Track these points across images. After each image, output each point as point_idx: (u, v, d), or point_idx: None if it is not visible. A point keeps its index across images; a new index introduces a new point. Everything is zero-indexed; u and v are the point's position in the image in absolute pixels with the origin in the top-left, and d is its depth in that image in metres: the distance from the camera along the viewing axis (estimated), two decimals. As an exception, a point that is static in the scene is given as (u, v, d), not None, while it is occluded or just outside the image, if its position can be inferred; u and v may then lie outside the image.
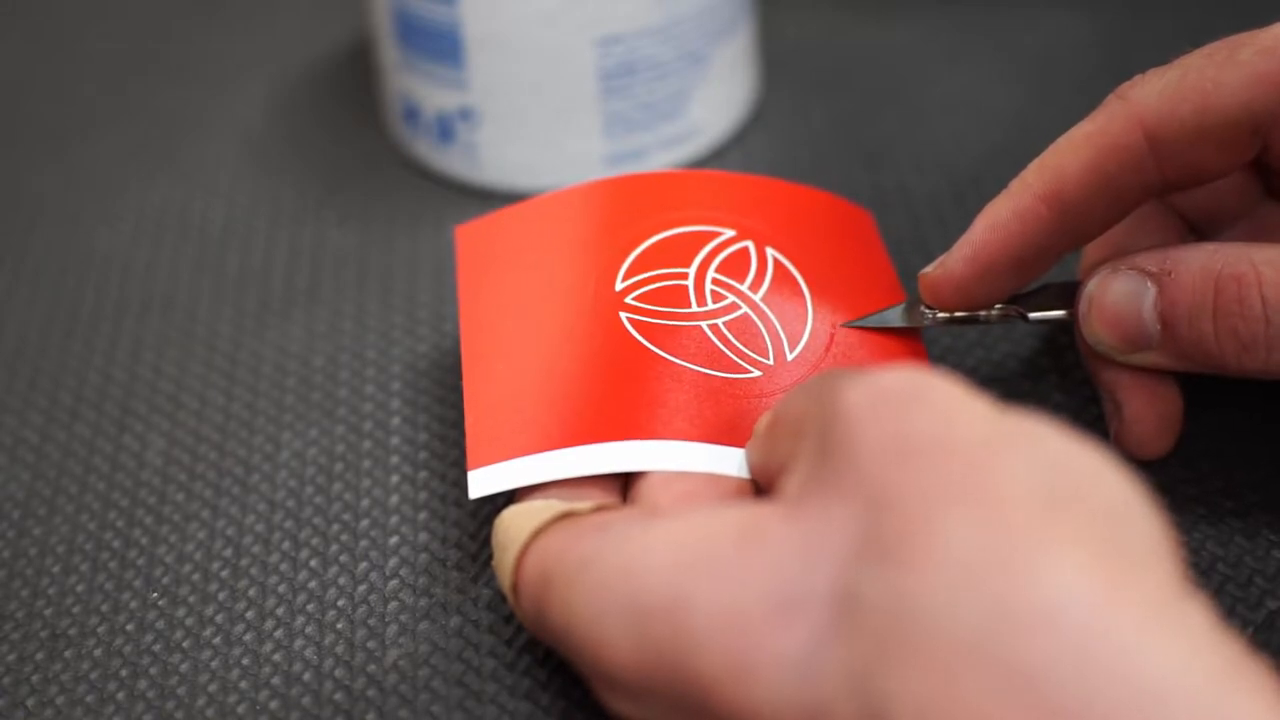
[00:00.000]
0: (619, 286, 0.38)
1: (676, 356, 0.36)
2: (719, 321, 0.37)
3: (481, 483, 0.35)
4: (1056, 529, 0.25)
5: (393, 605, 0.37)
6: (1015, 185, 0.37)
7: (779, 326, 0.37)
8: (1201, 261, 0.35)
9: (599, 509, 0.33)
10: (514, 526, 0.33)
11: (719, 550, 0.29)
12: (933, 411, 0.28)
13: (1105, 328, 0.36)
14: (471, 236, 0.41)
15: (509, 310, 0.38)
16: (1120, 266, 0.36)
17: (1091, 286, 0.37)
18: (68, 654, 0.37)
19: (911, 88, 0.54)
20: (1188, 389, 0.39)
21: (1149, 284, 0.35)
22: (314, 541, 0.39)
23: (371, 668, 0.36)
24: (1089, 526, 0.25)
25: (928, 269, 0.37)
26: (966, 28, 0.56)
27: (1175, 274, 0.35)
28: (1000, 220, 0.36)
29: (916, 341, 0.38)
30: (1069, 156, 0.36)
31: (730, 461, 0.35)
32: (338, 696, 0.35)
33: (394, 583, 0.37)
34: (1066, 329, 0.42)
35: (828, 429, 0.29)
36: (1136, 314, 0.36)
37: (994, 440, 0.27)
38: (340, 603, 0.37)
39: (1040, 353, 0.42)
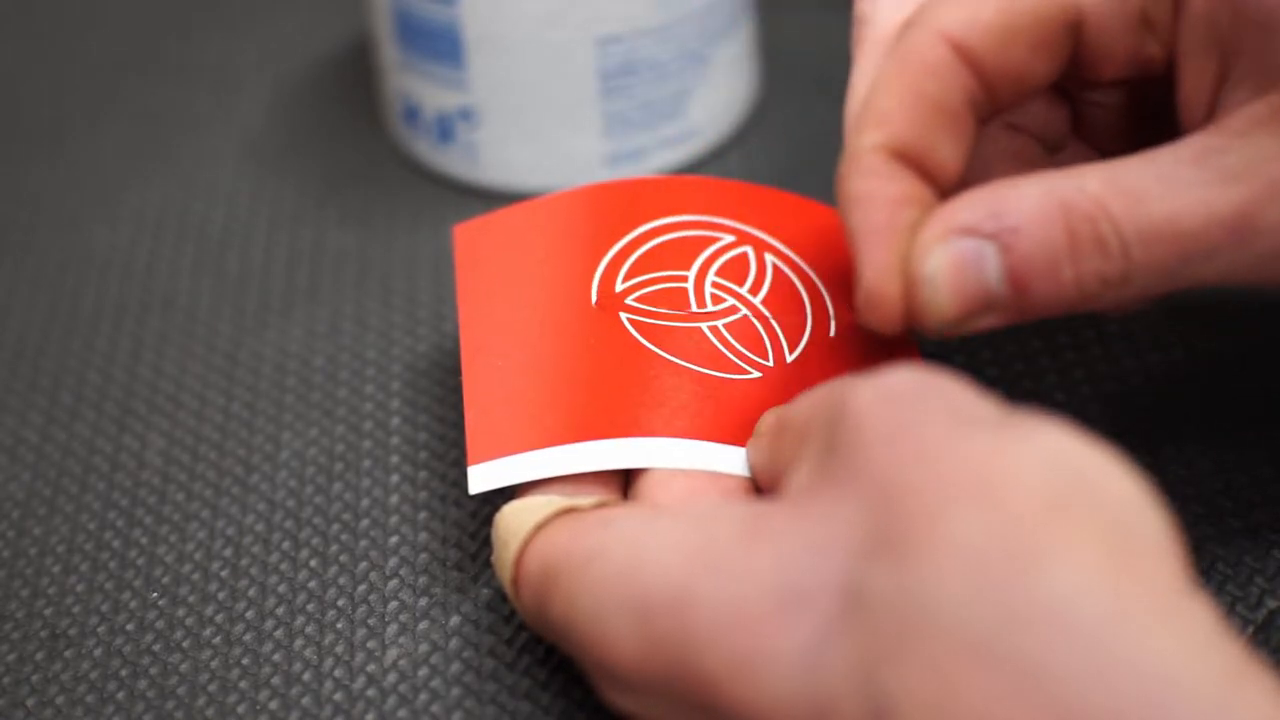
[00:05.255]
0: (619, 287, 0.38)
1: (677, 356, 0.36)
2: (719, 324, 0.37)
3: (481, 478, 0.35)
4: (1064, 526, 0.25)
5: (392, 605, 0.37)
6: (856, 154, 0.33)
7: (778, 329, 0.37)
8: (1040, 208, 0.31)
9: (601, 505, 0.33)
10: (515, 521, 0.33)
11: (724, 546, 0.29)
12: (941, 409, 0.28)
13: (955, 303, 0.32)
14: (470, 235, 0.41)
15: (508, 307, 0.38)
16: (945, 233, 0.32)
17: (924, 267, 0.32)
18: (68, 654, 0.37)
19: (911, 88, 0.54)
20: (1184, 390, 0.39)
21: (988, 245, 0.31)
22: (314, 541, 0.39)
23: (371, 667, 0.36)
24: (1096, 524, 0.25)
25: (857, 297, 0.33)
26: (966, 28, 0.56)
27: (1019, 229, 0.31)
28: (873, 200, 0.32)
29: (912, 346, 0.38)
30: (888, 101, 0.33)
31: (731, 460, 0.35)
32: (337, 696, 0.35)
33: (394, 583, 0.37)
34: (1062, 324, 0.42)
35: (835, 427, 0.29)
36: (980, 282, 0.32)
37: (1001, 438, 0.27)
38: (340, 603, 0.37)
39: (1040, 352, 0.42)
